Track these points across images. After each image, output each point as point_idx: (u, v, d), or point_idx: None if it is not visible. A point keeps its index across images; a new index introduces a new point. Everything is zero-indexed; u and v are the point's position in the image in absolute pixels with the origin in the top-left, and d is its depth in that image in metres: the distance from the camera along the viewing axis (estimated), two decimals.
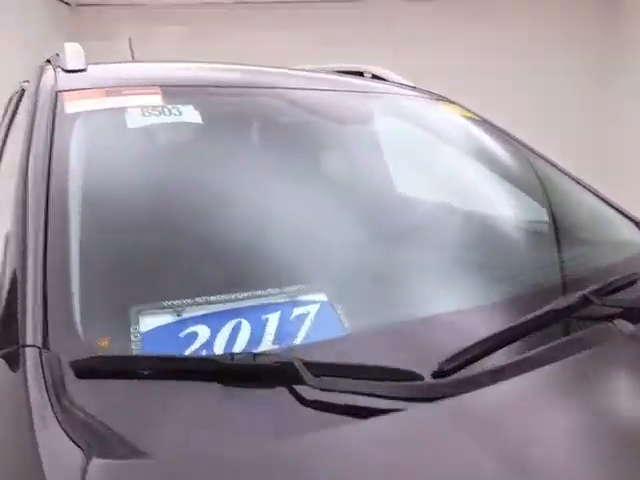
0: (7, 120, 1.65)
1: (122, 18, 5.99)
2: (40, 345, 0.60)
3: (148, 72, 1.31)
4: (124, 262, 0.81)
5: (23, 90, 1.95)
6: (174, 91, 1.13)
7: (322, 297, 0.80)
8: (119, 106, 1.03)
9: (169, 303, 0.73)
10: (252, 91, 1.24)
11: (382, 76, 1.76)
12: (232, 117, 1.21)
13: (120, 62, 1.56)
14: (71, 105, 1.01)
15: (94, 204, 0.87)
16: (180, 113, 1.05)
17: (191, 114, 1.06)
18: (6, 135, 2.12)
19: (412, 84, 1.70)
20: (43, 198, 0.79)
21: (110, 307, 0.74)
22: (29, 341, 0.60)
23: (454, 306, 0.83)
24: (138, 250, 0.84)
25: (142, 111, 1.03)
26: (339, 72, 1.95)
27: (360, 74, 1.85)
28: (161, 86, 1.11)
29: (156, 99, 1.07)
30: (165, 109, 1.05)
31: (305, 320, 0.74)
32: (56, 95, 1.04)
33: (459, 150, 1.39)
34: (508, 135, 1.42)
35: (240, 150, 1.11)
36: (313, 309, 0.78)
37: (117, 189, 0.91)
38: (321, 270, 0.87)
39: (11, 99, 2.01)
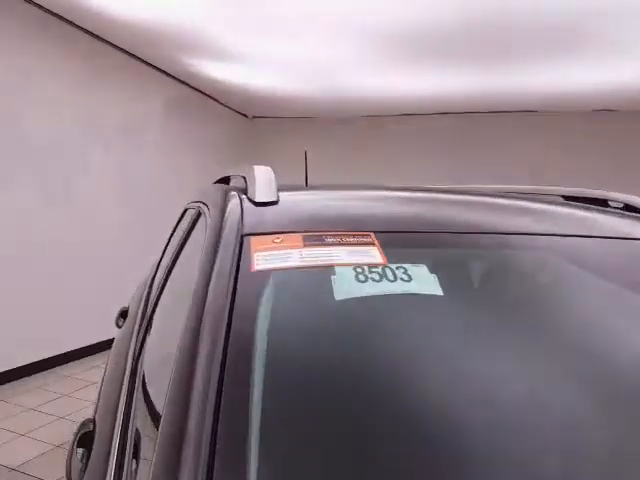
0: (177, 240, 1.51)
1: (293, 129, 6.52)
2: None
3: (355, 208, 1.02)
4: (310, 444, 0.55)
5: (186, 210, 1.86)
6: (396, 240, 0.80)
7: None
8: (323, 263, 0.72)
9: None
10: (509, 241, 0.86)
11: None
12: (485, 284, 0.84)
13: (312, 189, 1.34)
14: (261, 258, 0.73)
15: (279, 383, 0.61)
16: (410, 278, 0.70)
17: (425, 280, 0.70)
18: (175, 253, 2.06)
19: None
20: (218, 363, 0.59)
21: None
22: None
23: None
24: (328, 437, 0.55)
25: (356, 273, 0.70)
26: (567, 198, 1.53)
27: (603, 202, 1.39)
28: (376, 232, 0.80)
29: (373, 254, 0.74)
30: (388, 271, 0.71)
31: None
32: (242, 240, 0.78)
33: None
34: None
35: (503, 337, 0.71)
36: None
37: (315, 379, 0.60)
38: None
39: (182, 217, 1.94)
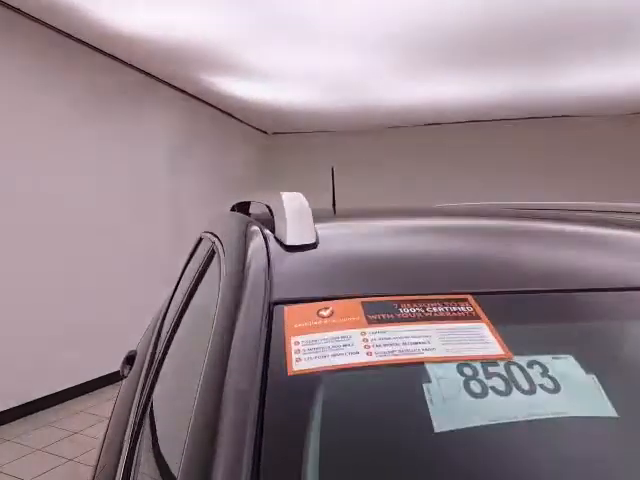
0: (190, 278, 1.24)
1: (314, 144, 6.28)
2: None
3: (429, 249, 0.70)
4: None
5: (201, 239, 1.59)
6: (513, 306, 0.51)
7: None
8: (407, 358, 0.43)
9: None
10: None
11: None
12: None
13: (346, 216, 1.05)
14: (302, 349, 0.45)
15: None
16: (556, 386, 0.41)
17: (583, 388, 0.41)
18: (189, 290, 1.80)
19: None
20: None
21: None
22: None
23: None
24: None
25: (465, 379, 0.41)
26: None
27: None
28: (476, 293, 0.51)
29: (482, 335, 0.45)
30: (515, 371, 0.42)
31: None
32: (270, 310, 0.50)
33: None
34: None
35: None
36: None
37: None
38: None
39: (196, 246, 1.67)
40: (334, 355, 0.43)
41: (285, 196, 0.76)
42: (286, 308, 0.50)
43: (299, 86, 4.56)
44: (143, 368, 1.34)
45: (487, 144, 5.58)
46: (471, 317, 0.48)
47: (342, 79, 4.33)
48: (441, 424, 0.38)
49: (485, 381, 0.41)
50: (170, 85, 4.63)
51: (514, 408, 0.39)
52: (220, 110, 5.45)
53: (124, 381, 1.66)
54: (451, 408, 0.39)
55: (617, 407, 0.40)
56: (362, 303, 0.50)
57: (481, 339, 0.45)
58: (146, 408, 0.96)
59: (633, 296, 0.55)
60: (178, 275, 2.01)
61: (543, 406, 0.39)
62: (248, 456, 0.36)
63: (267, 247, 0.65)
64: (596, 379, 0.42)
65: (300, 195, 0.79)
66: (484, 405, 0.39)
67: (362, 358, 0.43)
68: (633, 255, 0.68)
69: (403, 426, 0.39)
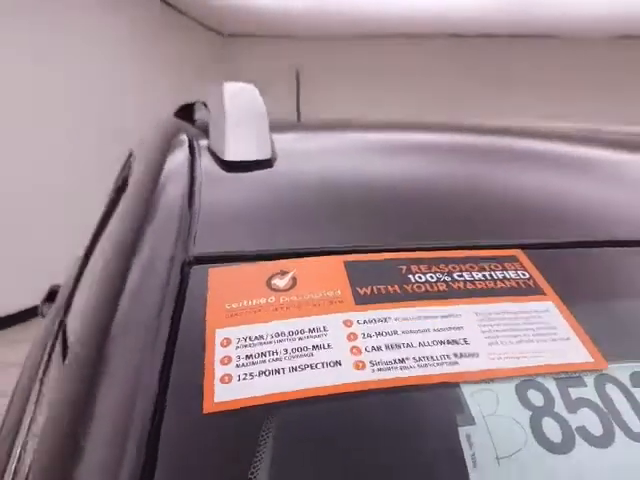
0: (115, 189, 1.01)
1: (278, 50, 5.68)
2: None
3: (440, 173, 0.45)
4: None
5: (130, 155, 1.30)
6: (601, 278, 0.32)
7: None
8: (417, 374, 0.24)
9: None
10: None
11: None
12: None
13: (315, 126, 0.79)
14: (234, 363, 0.24)
15: None
16: None
17: None
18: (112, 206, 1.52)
19: None
20: None
21: None
22: None
23: None
24: None
25: (527, 409, 0.23)
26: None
27: None
28: (533, 247, 0.31)
29: (550, 324, 0.27)
30: (615, 391, 0.24)
31: None
32: (184, 277, 0.28)
33: None
34: None
35: None
36: None
37: None
38: None
39: (126, 163, 1.38)
40: (293, 369, 0.23)
41: (228, 88, 0.52)
42: (212, 271, 0.28)
43: None
44: (61, 307, 1.14)
45: (470, 62, 5.23)
46: (530, 290, 0.29)
47: None
48: None
49: (568, 417, 0.23)
50: None
51: (618, 469, 0.22)
52: (170, 5, 4.77)
53: (43, 321, 1.44)
54: (509, 475, 0.21)
55: None
56: (345, 263, 0.29)
57: (552, 332, 0.26)
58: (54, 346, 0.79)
59: None
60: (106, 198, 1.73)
61: None
62: None
63: (192, 165, 0.42)
64: None
65: (251, 88, 0.55)
66: (567, 465, 0.21)
67: (346, 375, 0.23)
68: None
69: None
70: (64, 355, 0.64)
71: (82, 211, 4.02)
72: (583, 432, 0.23)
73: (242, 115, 0.46)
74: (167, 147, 0.52)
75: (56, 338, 0.82)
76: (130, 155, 1.35)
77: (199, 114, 0.98)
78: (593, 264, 0.33)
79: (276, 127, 0.53)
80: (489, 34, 5.13)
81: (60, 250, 3.40)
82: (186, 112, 1.15)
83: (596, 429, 0.23)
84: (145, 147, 0.71)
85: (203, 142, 0.51)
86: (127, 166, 1.24)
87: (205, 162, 0.43)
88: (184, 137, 0.54)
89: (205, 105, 0.67)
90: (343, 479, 0.21)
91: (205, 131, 0.62)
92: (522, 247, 0.32)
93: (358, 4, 4.43)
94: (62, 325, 0.83)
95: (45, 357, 0.82)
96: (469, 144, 0.59)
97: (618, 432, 0.23)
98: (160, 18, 4.83)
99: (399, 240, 0.33)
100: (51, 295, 1.45)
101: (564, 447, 0.22)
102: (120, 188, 0.81)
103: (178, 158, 0.44)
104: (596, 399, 0.24)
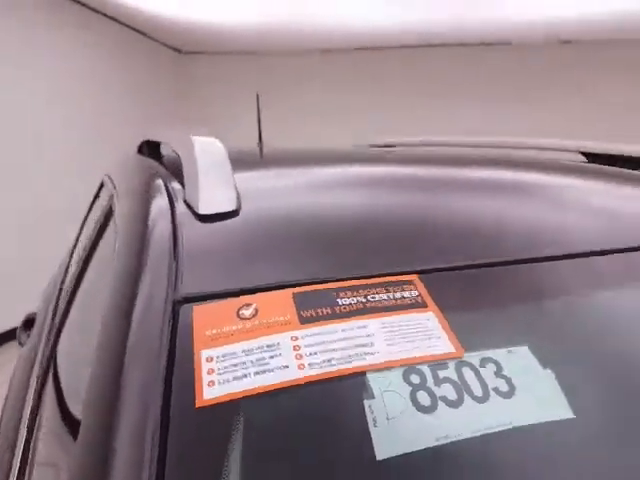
0: (88, 238, 1.08)
1: (235, 66, 5.77)
2: None
3: (368, 212, 0.59)
4: None
5: (102, 185, 1.39)
6: (465, 294, 0.45)
7: None
8: (345, 368, 0.36)
9: None
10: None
11: None
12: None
13: (275, 162, 0.92)
14: (217, 369, 0.36)
15: None
16: (511, 389, 0.36)
17: (539, 389, 0.36)
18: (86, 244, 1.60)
19: None
20: None
21: None
22: None
23: None
24: None
25: (411, 390, 0.35)
26: (587, 155, 1.22)
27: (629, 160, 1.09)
28: (423, 272, 0.44)
29: (430, 328, 0.39)
30: (467, 372, 0.37)
31: None
32: (173, 315, 0.40)
33: None
34: None
35: None
36: None
37: None
38: None
39: (98, 192, 1.46)
40: (257, 373, 0.35)
41: (198, 144, 0.63)
42: (196, 309, 0.40)
43: None
44: (42, 337, 1.20)
45: (418, 71, 5.46)
46: (418, 305, 0.42)
47: None
48: (384, 450, 0.33)
49: (434, 389, 0.36)
50: None
51: (465, 422, 0.34)
52: (128, 26, 4.79)
53: (22, 350, 1.50)
54: (396, 429, 0.34)
55: (578, 406, 0.36)
56: (294, 295, 0.42)
57: (429, 333, 0.39)
58: (45, 383, 0.86)
59: (617, 260, 0.51)
60: (79, 225, 1.80)
61: (496, 416, 0.35)
62: None
63: (173, 215, 0.53)
64: (553, 375, 0.38)
65: (216, 143, 0.65)
66: (433, 421, 0.34)
67: (292, 374, 0.35)
68: (609, 212, 0.65)
69: (339, 457, 0.33)
70: (59, 400, 0.70)
71: (44, 235, 3.98)
72: (444, 399, 0.35)
73: (212, 175, 0.57)
74: (148, 198, 0.62)
75: (45, 377, 0.87)
76: (102, 186, 1.43)
77: (164, 150, 1.06)
78: (465, 283, 0.46)
79: (239, 165, 0.64)
80: (434, 44, 5.37)
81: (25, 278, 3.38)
82: (151, 149, 1.23)
83: (452, 396, 0.36)
84: (123, 190, 0.81)
85: (178, 190, 0.62)
86: (100, 199, 1.32)
87: (183, 215, 0.54)
88: (162, 184, 0.64)
89: (177, 154, 0.76)
90: (295, 438, 0.34)
91: (174, 172, 0.72)
92: (417, 273, 0.45)
93: (311, 21, 4.59)
94: (52, 362, 0.88)
95: (31, 401, 0.87)
96: (386, 181, 0.73)
97: (466, 397, 0.36)
98: (116, 37, 4.83)
99: (331, 273, 0.45)
100: (28, 323, 1.49)
101: (431, 409, 0.35)
102: (102, 226, 0.90)
103: (161, 213, 0.55)
104: (454, 377, 0.37)
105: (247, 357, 0.36)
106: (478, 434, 0.34)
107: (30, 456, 0.70)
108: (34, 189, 3.92)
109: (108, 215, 0.86)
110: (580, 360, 0.42)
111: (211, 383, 0.35)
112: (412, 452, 0.33)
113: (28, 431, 0.77)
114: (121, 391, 0.35)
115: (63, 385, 0.75)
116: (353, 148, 1.37)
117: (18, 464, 0.71)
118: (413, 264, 0.46)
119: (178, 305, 0.40)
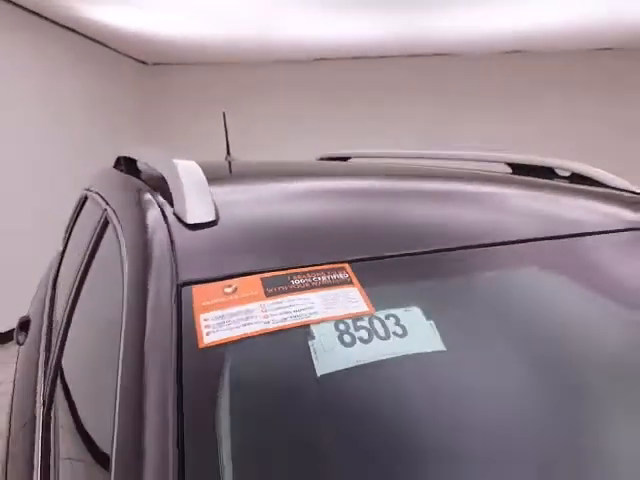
0: (82, 246, 1.22)
1: (199, 77, 5.91)
2: None
3: (316, 217, 0.81)
4: None
5: (86, 198, 1.55)
6: (376, 272, 0.65)
7: None
8: (297, 322, 0.55)
9: None
10: (492, 255, 0.74)
11: (590, 176, 1.22)
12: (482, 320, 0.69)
13: (241, 175, 1.12)
14: (211, 324, 0.54)
15: None
16: (404, 332, 0.56)
17: (423, 333, 0.57)
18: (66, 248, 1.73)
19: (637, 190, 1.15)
20: None
21: None
22: None
23: None
24: None
25: (338, 333, 0.55)
26: (513, 166, 1.46)
27: (549, 171, 1.33)
28: (352, 262, 0.64)
29: (354, 297, 0.59)
30: (377, 323, 0.56)
31: None
32: (179, 292, 0.58)
33: None
34: None
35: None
36: None
37: None
38: None
39: (81, 206, 1.62)
40: (237, 327, 0.54)
41: (181, 168, 0.80)
42: (194, 288, 0.58)
43: (174, 11, 4.21)
44: (42, 338, 1.33)
45: (372, 81, 5.73)
46: (346, 283, 0.61)
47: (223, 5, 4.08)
48: (321, 369, 0.52)
49: (354, 333, 0.55)
50: (23, 8, 4.00)
51: (373, 352, 0.54)
52: (92, 39, 4.86)
53: (21, 349, 1.63)
54: (329, 357, 0.53)
55: (447, 344, 0.57)
56: (261, 279, 0.60)
57: (353, 300, 0.59)
58: (56, 379, 1.00)
59: (467, 254, 0.72)
60: (63, 235, 1.93)
61: (393, 349, 0.55)
62: (173, 425, 0.46)
63: (168, 225, 0.70)
64: (433, 324, 0.58)
65: (195, 166, 0.83)
66: (353, 351, 0.54)
67: (261, 327, 0.54)
68: (481, 213, 0.87)
69: (295, 375, 0.52)
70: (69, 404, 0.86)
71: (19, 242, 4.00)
72: (360, 338, 0.55)
73: (194, 193, 0.75)
74: (144, 212, 0.79)
75: (56, 373, 1.01)
76: (85, 199, 1.58)
77: (143, 174, 1.21)
78: (379, 268, 0.66)
79: (213, 180, 0.81)
80: (387, 55, 5.66)
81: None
82: (127, 164, 1.38)
83: (365, 337, 0.55)
84: (118, 205, 0.96)
85: (164, 204, 0.79)
86: (88, 211, 1.48)
87: (175, 225, 0.71)
88: (152, 200, 0.81)
89: (163, 177, 0.93)
90: (264, 364, 0.53)
91: (155, 188, 0.88)
92: (349, 262, 0.64)
93: (272, 33, 4.78)
94: (59, 368, 1.01)
95: (42, 408, 1.01)
96: (332, 189, 0.94)
97: (375, 338, 0.55)
98: (82, 50, 4.88)
99: (287, 263, 0.64)
100: (23, 325, 1.63)
101: (351, 344, 0.54)
102: (99, 236, 1.05)
103: (158, 223, 0.72)
104: (367, 325, 0.56)
105: (231, 318, 0.55)
106: (383, 358, 0.54)
107: (53, 450, 0.84)
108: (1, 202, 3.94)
109: (104, 227, 1.02)
110: (453, 317, 0.63)
111: (207, 334, 0.53)
112: (339, 370, 0.52)
113: (45, 427, 0.92)
114: (145, 343, 0.53)
115: (74, 380, 0.91)
116: (306, 161, 1.58)
117: (40, 460, 0.85)
118: (345, 256, 0.66)
119: (181, 287, 0.59)
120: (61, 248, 1.89)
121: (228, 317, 0.55)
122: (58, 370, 1.00)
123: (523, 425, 0.56)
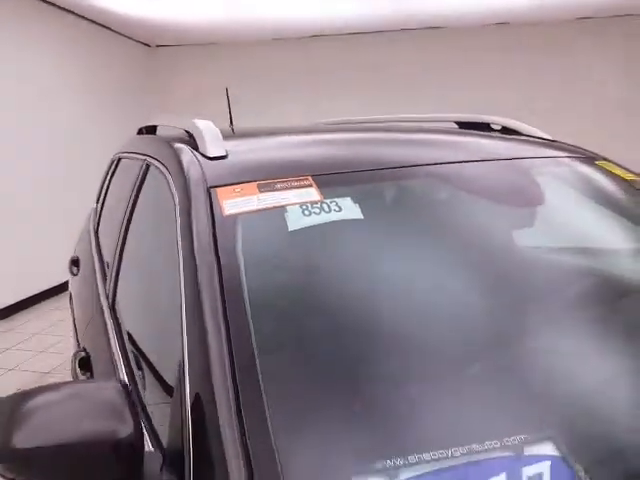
0: (125, 191, 1.64)
1: (202, 58, 6.23)
2: None
3: (294, 154, 1.24)
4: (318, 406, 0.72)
5: (119, 160, 1.99)
6: (328, 180, 1.05)
7: (552, 450, 0.68)
8: (277, 204, 0.96)
9: (381, 465, 0.64)
10: (409, 172, 1.15)
11: (515, 128, 1.61)
12: (393, 207, 1.13)
13: (246, 135, 1.52)
14: (229, 205, 0.95)
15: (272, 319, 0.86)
16: (340, 209, 0.97)
17: (351, 209, 0.97)
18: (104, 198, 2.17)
19: (549, 137, 1.55)
20: (221, 313, 0.80)
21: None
22: None
23: None
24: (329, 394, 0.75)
25: (302, 209, 0.96)
26: (459, 123, 1.84)
27: (486, 126, 1.72)
28: (313, 175, 1.04)
29: (312, 193, 0.99)
30: (324, 205, 0.97)
31: None
32: (209, 192, 0.99)
33: None
34: None
35: (409, 249, 1.02)
36: (545, 468, 0.67)
37: (294, 304, 0.89)
38: (545, 412, 0.74)
39: (115, 167, 2.05)
40: (242, 207, 0.95)
41: (199, 122, 1.22)
42: (218, 190, 0.99)
43: None
44: (95, 269, 1.74)
45: (363, 57, 6.02)
46: (309, 186, 1.01)
47: None
48: (292, 226, 0.93)
49: (311, 209, 0.96)
50: None
51: (321, 218, 0.95)
52: (97, 24, 5.19)
53: (73, 279, 2.07)
54: (295, 221, 0.94)
55: (365, 215, 0.98)
56: (257, 185, 1.01)
57: (312, 195, 0.99)
58: (115, 291, 1.40)
59: (384, 173, 1.14)
60: (97, 193, 2.35)
61: (334, 216, 0.95)
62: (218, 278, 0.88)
63: (197, 159, 1.11)
64: (358, 206, 0.99)
65: (210, 122, 1.24)
66: (309, 219, 0.94)
67: (257, 206, 0.95)
68: (390, 149, 1.29)
69: (275, 231, 0.94)
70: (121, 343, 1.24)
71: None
72: (314, 212, 0.96)
73: (212, 136, 1.15)
74: (181, 153, 1.19)
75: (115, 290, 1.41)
76: (119, 160, 2.00)
77: (166, 131, 1.63)
78: (332, 179, 1.07)
79: (224, 134, 1.22)
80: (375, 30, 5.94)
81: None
82: (147, 132, 1.84)
83: (317, 212, 0.96)
84: (160, 154, 1.37)
85: (192, 148, 1.19)
86: (117, 167, 1.94)
87: (200, 158, 1.12)
88: (184, 147, 1.22)
89: (188, 132, 1.32)
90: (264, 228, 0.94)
91: (181, 141, 1.29)
92: (311, 175, 1.05)
93: (271, 12, 5.08)
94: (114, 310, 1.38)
95: (106, 301, 1.43)
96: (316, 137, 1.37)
97: (322, 212, 0.96)
98: (86, 33, 5.17)
99: (274, 175, 1.04)
100: (74, 261, 2.07)
101: (308, 216, 0.95)
102: (142, 180, 1.46)
103: (190, 158, 1.13)
104: (318, 208, 0.97)
105: (239, 203, 0.96)
106: (327, 222, 0.94)
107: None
108: (18, 185, 4.35)
109: (145, 171, 1.43)
110: (376, 205, 1.05)
111: (227, 209, 0.94)
112: (301, 228, 0.93)
113: (116, 325, 1.29)
114: (192, 216, 0.94)
115: (132, 277, 1.32)
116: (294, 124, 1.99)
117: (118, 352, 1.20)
118: (309, 172, 1.06)
119: (211, 189, 0.99)
120: (95, 205, 2.32)
121: (238, 202, 0.96)
122: (119, 273, 1.42)
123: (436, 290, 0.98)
